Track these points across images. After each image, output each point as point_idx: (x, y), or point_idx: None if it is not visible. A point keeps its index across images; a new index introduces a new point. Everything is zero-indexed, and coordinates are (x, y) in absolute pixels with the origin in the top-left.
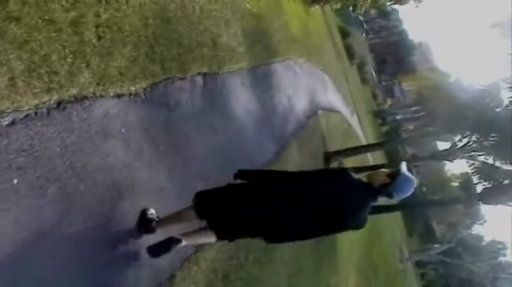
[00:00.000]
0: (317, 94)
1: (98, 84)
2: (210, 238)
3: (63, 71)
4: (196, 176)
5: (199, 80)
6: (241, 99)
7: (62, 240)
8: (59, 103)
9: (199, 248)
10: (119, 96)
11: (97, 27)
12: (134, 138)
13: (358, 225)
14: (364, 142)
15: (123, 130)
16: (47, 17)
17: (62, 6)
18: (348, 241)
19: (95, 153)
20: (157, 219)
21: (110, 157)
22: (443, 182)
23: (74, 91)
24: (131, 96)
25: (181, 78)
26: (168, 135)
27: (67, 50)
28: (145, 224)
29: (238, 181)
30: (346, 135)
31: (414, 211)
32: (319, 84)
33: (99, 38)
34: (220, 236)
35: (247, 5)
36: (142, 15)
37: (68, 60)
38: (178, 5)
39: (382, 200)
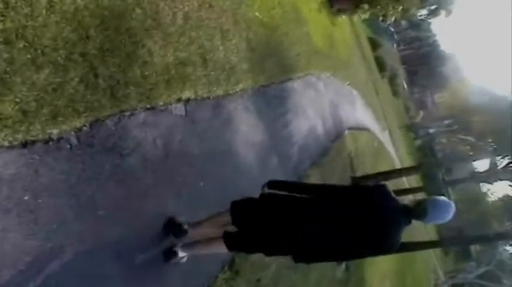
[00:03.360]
0: (343, 112)
1: None
2: (222, 248)
3: None
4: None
5: (178, 109)
6: (243, 128)
7: None
8: None
9: None
10: (24, 145)
11: None
12: (49, 207)
13: (393, 247)
14: (396, 160)
15: (26, 198)
16: None
17: None
18: (378, 273)
19: None
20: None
21: None
22: (480, 197)
23: None
24: (50, 143)
25: (147, 109)
26: (118, 192)
27: None
28: (175, 228)
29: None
30: (377, 155)
31: (453, 241)
32: (347, 101)
33: None
34: (233, 247)
35: (256, 13)
36: (80, 24)
37: None
38: (149, 11)
39: (421, 236)
